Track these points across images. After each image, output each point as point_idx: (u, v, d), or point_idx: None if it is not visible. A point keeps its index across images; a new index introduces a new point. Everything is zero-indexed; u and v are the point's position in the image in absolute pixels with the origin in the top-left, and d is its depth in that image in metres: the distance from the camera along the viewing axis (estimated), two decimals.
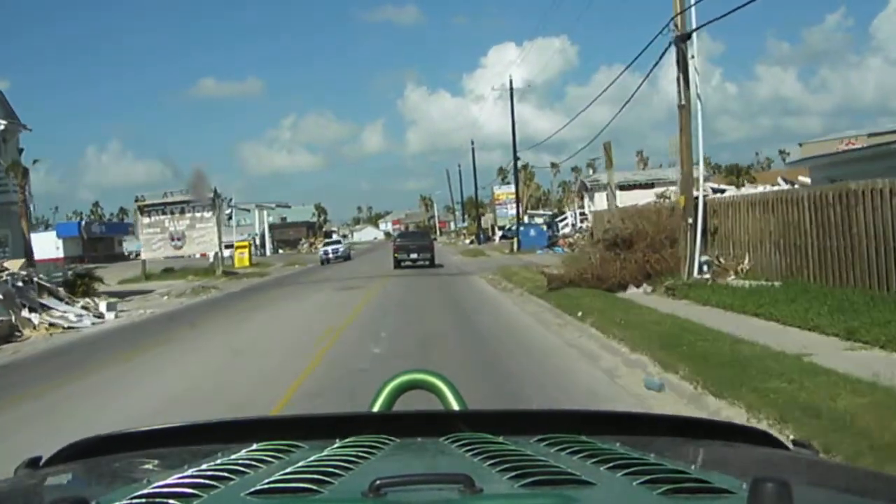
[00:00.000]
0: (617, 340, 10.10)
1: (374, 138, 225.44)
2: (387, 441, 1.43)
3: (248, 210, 75.29)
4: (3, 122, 29.47)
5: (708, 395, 6.92)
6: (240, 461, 1.28)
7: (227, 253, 55.98)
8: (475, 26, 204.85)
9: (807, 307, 10.45)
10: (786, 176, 43.94)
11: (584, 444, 1.35)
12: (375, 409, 1.84)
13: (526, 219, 70.29)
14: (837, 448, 4.79)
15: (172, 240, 42.80)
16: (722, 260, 15.77)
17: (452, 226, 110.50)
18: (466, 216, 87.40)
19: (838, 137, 47.79)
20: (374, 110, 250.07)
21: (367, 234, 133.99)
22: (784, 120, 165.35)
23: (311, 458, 1.25)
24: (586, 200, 56.46)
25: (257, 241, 72.48)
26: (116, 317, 20.40)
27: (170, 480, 1.17)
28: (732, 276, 14.93)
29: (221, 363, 11.06)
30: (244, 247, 53.70)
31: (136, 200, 43.29)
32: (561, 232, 45.35)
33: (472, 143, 69.19)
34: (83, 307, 20.70)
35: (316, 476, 1.13)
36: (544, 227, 42.83)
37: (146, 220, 43.02)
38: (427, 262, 34.08)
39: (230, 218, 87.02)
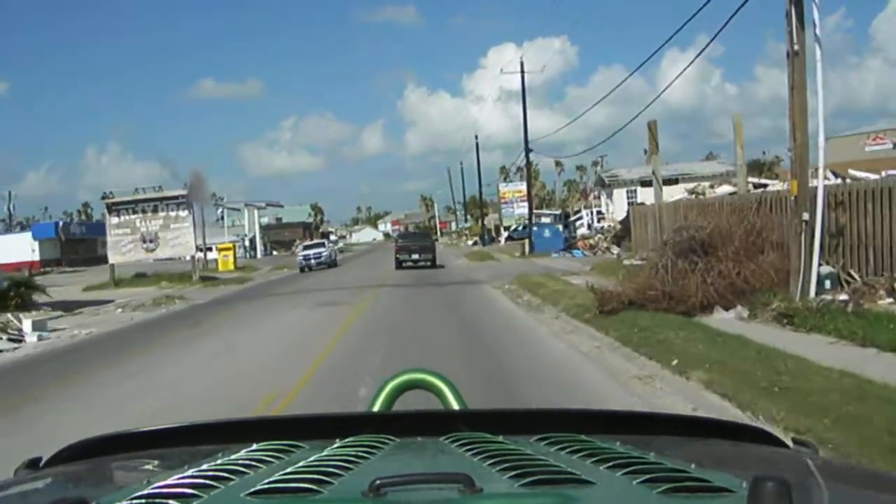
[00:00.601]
0: (787, 430, 4.80)
1: (373, 139, 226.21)
2: (387, 441, 1.43)
3: (239, 209, 69.63)
4: None
5: None
6: (240, 461, 1.28)
7: (212, 256, 51.15)
8: (475, 27, 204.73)
9: None
10: (835, 169, 38.45)
11: (584, 444, 1.35)
12: (375, 408, 1.82)
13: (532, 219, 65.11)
14: None
15: (144, 241, 38.74)
16: (854, 273, 10.28)
17: (454, 226, 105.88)
18: (469, 216, 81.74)
19: (864, 133, 45.72)
20: (373, 111, 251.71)
21: (365, 234, 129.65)
22: (783, 121, 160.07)
23: (312, 459, 1.26)
24: (603, 198, 51.07)
25: (247, 243, 66.81)
26: (40, 339, 17.20)
27: (170, 481, 1.17)
28: (888, 299, 9.51)
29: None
30: (228, 249, 50.72)
31: (104, 197, 37.66)
32: (578, 233, 39.92)
33: (476, 137, 64.10)
34: None
35: (316, 476, 1.13)
36: (560, 228, 37.37)
37: (115, 219, 39.31)
38: (428, 263, 34.67)
39: (221, 218, 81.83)
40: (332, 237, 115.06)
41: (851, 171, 36.61)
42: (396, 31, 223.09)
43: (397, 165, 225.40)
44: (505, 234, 65.97)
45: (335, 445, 1.39)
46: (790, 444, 1.57)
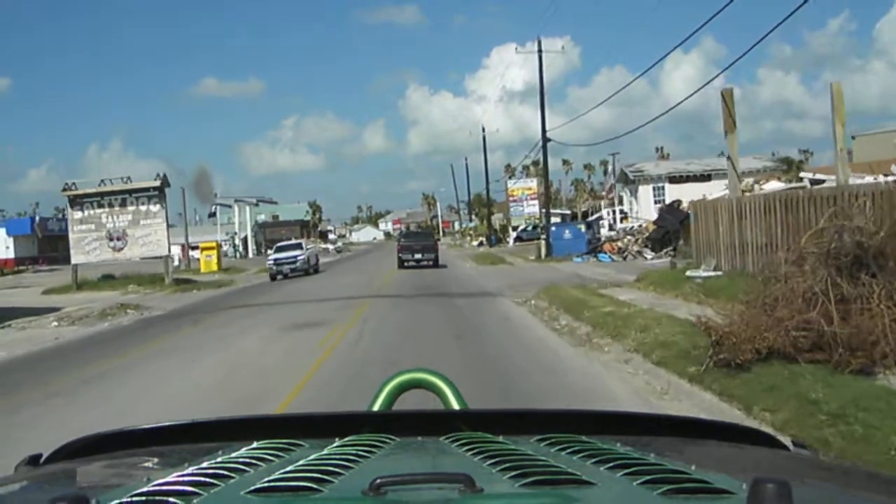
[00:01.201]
0: None
1: (375, 138, 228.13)
2: (387, 440, 1.44)
3: (230, 206, 64.53)
4: None
5: None
6: (240, 459, 1.28)
7: (198, 255, 48.43)
8: (477, 26, 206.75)
9: None
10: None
11: (585, 444, 1.36)
12: (375, 408, 1.82)
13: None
14: None
15: (111, 239, 34.58)
16: None
17: (457, 226, 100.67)
18: (474, 216, 76.41)
19: (892, 130, 42.84)
20: (375, 110, 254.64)
21: (366, 234, 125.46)
22: (787, 123, 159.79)
23: (312, 457, 1.26)
24: (625, 196, 45.87)
25: (237, 241, 61.63)
26: None
27: (170, 478, 1.17)
28: None
29: None
30: (211, 249, 46.90)
31: (65, 189, 32.63)
32: (604, 234, 34.78)
33: (483, 129, 58.58)
34: None
35: (316, 475, 1.14)
36: (582, 228, 32.26)
37: (78, 213, 35.49)
38: (430, 263, 34.79)
39: (214, 214, 77.02)
40: (332, 236, 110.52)
41: None
42: (398, 30, 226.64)
43: (399, 165, 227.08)
44: (513, 234, 60.79)
45: (335, 444, 1.39)
46: (790, 445, 1.56)
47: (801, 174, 29.46)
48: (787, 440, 1.63)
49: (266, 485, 1.11)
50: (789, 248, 9.31)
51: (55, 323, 20.36)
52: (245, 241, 74.97)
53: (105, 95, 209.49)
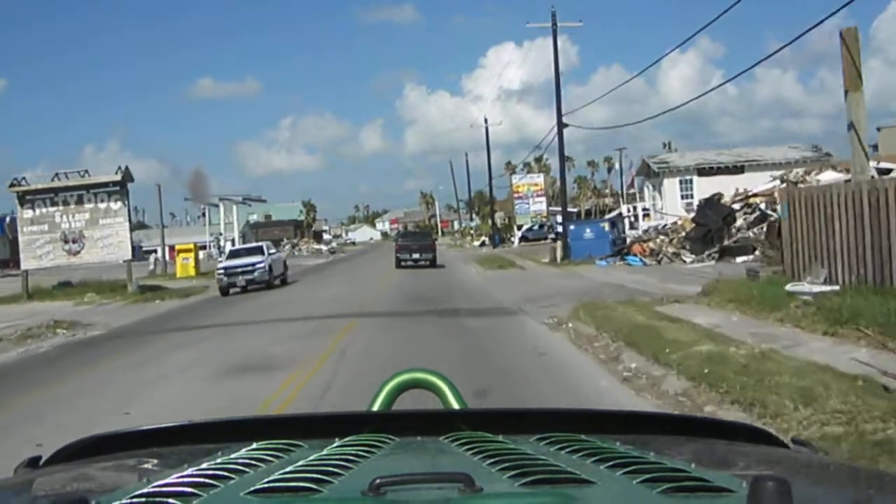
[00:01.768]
0: None
1: (372, 138, 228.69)
2: (387, 440, 1.45)
3: (216, 205, 59.68)
4: None
5: None
6: (240, 460, 1.29)
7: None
8: (474, 25, 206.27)
9: None
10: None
11: (584, 443, 1.36)
12: (375, 408, 1.82)
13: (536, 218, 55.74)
14: None
15: (66, 241, 30.45)
16: None
17: (456, 225, 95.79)
18: (475, 215, 71.73)
19: None
20: (372, 110, 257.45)
21: (363, 233, 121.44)
22: (784, 121, 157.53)
23: (311, 458, 1.27)
24: (647, 191, 41.18)
25: (223, 243, 56.71)
26: None
27: (169, 480, 1.18)
28: None
29: None
30: (188, 251, 41.98)
31: (12, 185, 27.97)
32: (632, 233, 30.06)
33: (486, 121, 54.03)
34: None
35: (316, 475, 1.14)
36: (605, 227, 27.57)
37: (28, 212, 31.41)
38: (428, 262, 34.56)
39: (203, 215, 72.20)
40: (326, 236, 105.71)
41: None
42: (395, 29, 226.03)
43: (397, 164, 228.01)
44: (518, 233, 56.04)
45: (335, 445, 1.40)
46: (790, 443, 1.57)
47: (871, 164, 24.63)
48: (786, 438, 1.64)
49: (266, 485, 1.11)
50: None
51: None
52: (234, 242, 69.94)
53: (101, 95, 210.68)
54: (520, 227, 57.89)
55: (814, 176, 26.27)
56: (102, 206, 29.74)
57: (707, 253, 24.48)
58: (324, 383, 9.35)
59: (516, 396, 8.11)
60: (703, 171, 38.29)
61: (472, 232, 75.48)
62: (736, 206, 25.97)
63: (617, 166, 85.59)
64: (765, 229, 23.09)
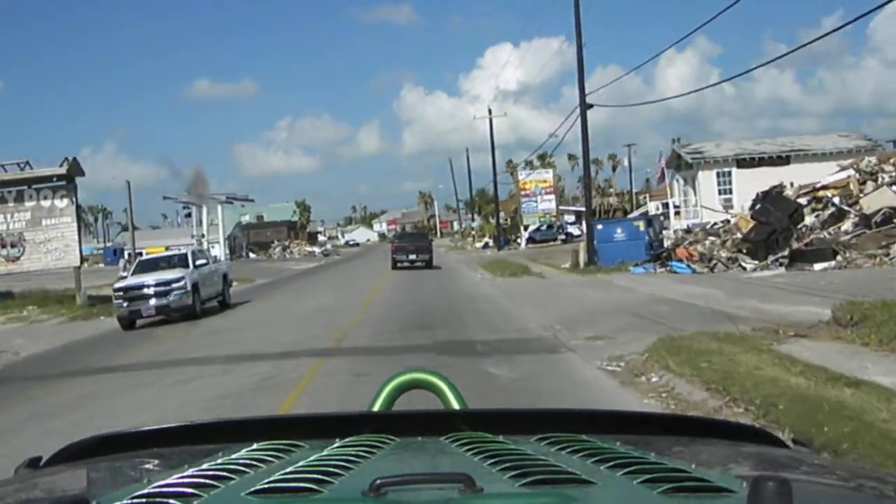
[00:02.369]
0: None
1: (370, 139, 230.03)
2: (387, 440, 1.44)
3: (198, 205, 54.77)
4: None
5: None
6: (240, 461, 1.29)
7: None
8: (471, 26, 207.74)
9: None
10: None
11: (585, 444, 1.36)
12: (375, 408, 1.80)
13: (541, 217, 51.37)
14: None
15: (3, 246, 26.06)
16: None
17: (456, 225, 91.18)
18: (476, 214, 67.01)
19: None
20: (370, 111, 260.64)
21: (359, 235, 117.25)
22: (781, 122, 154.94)
23: (312, 458, 1.27)
24: (678, 185, 36.26)
25: (205, 245, 51.64)
26: None
27: (170, 480, 1.18)
28: None
29: None
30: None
31: None
32: (674, 234, 25.22)
33: (490, 112, 49.16)
34: None
35: (316, 475, 1.13)
36: (640, 227, 22.71)
37: None
38: (424, 264, 34.52)
39: (188, 215, 67.34)
40: (321, 238, 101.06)
41: None
42: (393, 30, 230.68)
43: (394, 165, 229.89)
44: (525, 234, 51.17)
45: (335, 445, 1.39)
46: (790, 444, 1.56)
47: None
48: (787, 438, 1.62)
49: (266, 486, 1.11)
50: None
51: None
52: (228, 243, 65.13)
53: (97, 96, 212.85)
54: (526, 228, 53.01)
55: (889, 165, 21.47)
56: (46, 203, 25.78)
57: (773, 258, 19.73)
58: None
59: None
60: (744, 163, 33.51)
61: (473, 233, 70.64)
62: (802, 201, 21.26)
63: (624, 163, 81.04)
64: (847, 228, 18.41)
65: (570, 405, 8.88)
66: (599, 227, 28.01)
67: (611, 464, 1.20)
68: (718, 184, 34.31)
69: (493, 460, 1.22)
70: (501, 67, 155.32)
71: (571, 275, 25.41)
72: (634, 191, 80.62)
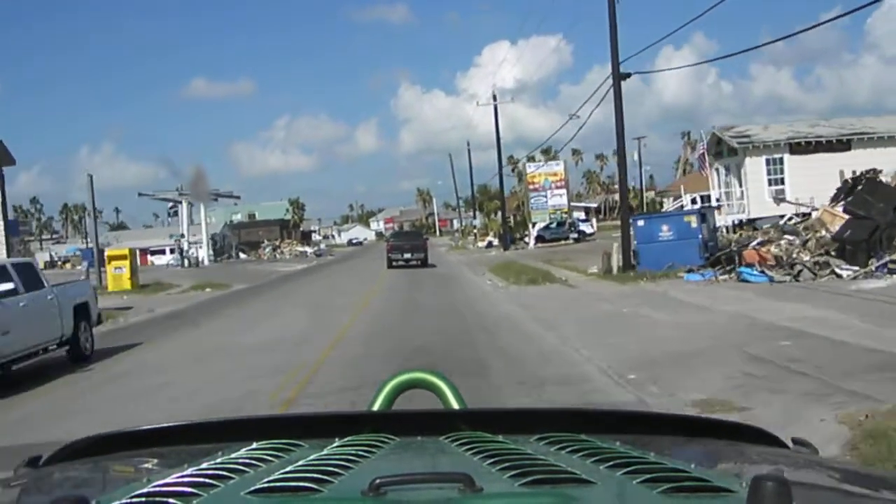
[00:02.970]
0: None
1: (367, 138, 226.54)
2: (386, 440, 1.43)
3: (178, 202, 49.94)
4: None
5: None
6: (240, 460, 1.29)
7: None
8: (468, 24, 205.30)
9: None
10: None
11: (584, 443, 1.36)
12: (375, 408, 1.78)
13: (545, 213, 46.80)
14: None
15: None
16: None
17: (456, 223, 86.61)
18: (479, 212, 62.29)
19: None
20: (367, 110, 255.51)
21: (356, 234, 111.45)
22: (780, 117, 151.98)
23: (311, 457, 1.27)
24: (718, 175, 31.33)
25: (184, 246, 47.02)
26: None
27: (170, 479, 1.18)
28: None
29: None
30: (121, 259, 32.70)
31: None
32: (727, 232, 20.43)
33: (495, 97, 44.31)
34: None
35: (316, 475, 1.13)
36: (692, 222, 17.65)
37: None
38: (419, 262, 34.33)
39: (174, 214, 62.97)
40: (316, 237, 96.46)
41: None
42: (389, 29, 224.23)
43: (392, 164, 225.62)
44: (534, 231, 46.32)
45: (335, 444, 1.39)
46: (790, 443, 1.54)
47: None
48: (787, 438, 1.61)
49: (266, 485, 1.10)
50: None
51: None
52: (213, 244, 60.38)
53: (94, 95, 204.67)
54: (533, 225, 48.14)
55: None
56: None
57: (877, 262, 14.99)
58: None
59: None
60: (798, 148, 28.53)
61: (475, 231, 65.77)
62: None
63: (634, 157, 76.47)
64: None
65: None
66: (640, 223, 22.45)
67: (610, 463, 1.20)
68: (768, 173, 29.46)
69: (492, 460, 1.22)
70: (499, 65, 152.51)
71: (606, 283, 20.63)
72: (637, 188, 76.21)
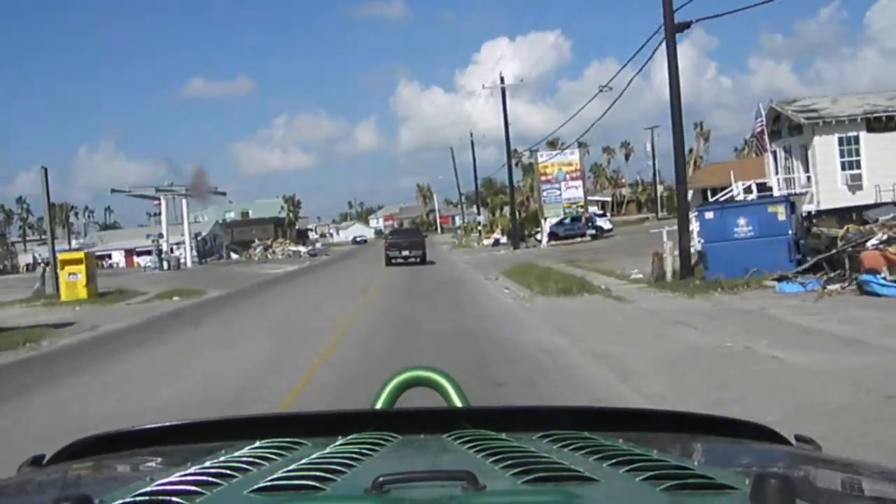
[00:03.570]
0: None
1: (366, 135, 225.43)
2: (389, 438, 1.44)
3: (157, 199, 45.59)
4: None
5: None
6: (243, 459, 1.29)
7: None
8: (466, 21, 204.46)
9: None
10: None
11: (587, 441, 1.37)
12: (378, 406, 1.77)
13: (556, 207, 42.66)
14: None
15: None
16: None
17: (458, 220, 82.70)
18: (483, 207, 58.08)
19: None
20: (365, 107, 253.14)
21: (355, 232, 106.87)
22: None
23: (314, 456, 1.27)
24: (776, 157, 26.81)
25: (164, 247, 42.64)
26: None
27: (173, 478, 1.18)
28: None
29: None
30: (76, 263, 28.53)
31: None
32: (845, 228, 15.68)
33: (503, 80, 39.93)
34: None
35: (319, 473, 1.13)
36: (780, 213, 12.91)
37: None
38: (418, 259, 35.20)
39: (158, 213, 59.08)
40: (312, 235, 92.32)
41: None
42: (387, 26, 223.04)
43: (391, 161, 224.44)
44: (547, 228, 41.84)
45: (338, 443, 1.39)
46: (792, 440, 1.55)
47: None
48: (790, 435, 1.61)
49: (269, 484, 1.10)
50: None
51: None
52: (204, 244, 56.02)
53: (92, 95, 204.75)
54: (545, 221, 43.60)
55: None
56: None
57: None
58: None
59: None
60: (876, 124, 23.90)
61: (479, 227, 61.24)
62: None
63: (647, 148, 72.08)
64: None
65: None
66: (709, 215, 17.49)
67: (613, 461, 1.21)
68: (841, 154, 25.12)
69: (495, 458, 1.23)
70: (497, 62, 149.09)
71: (665, 294, 15.96)
72: (646, 180, 71.93)
